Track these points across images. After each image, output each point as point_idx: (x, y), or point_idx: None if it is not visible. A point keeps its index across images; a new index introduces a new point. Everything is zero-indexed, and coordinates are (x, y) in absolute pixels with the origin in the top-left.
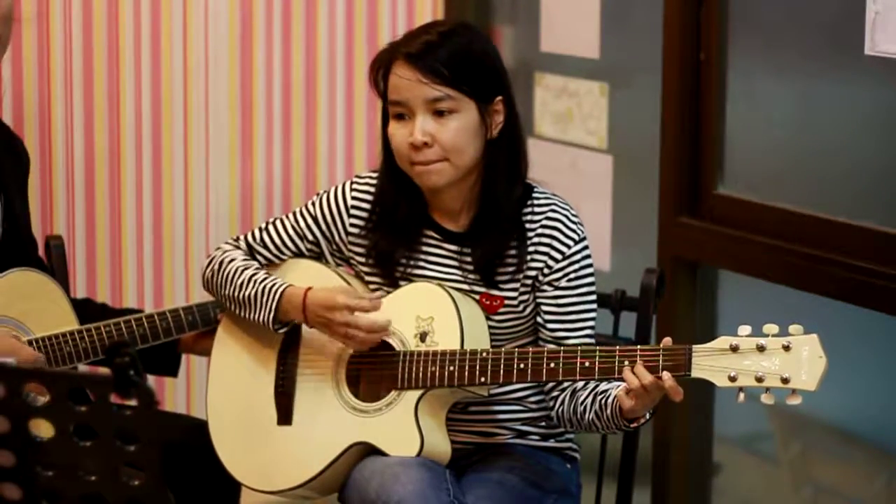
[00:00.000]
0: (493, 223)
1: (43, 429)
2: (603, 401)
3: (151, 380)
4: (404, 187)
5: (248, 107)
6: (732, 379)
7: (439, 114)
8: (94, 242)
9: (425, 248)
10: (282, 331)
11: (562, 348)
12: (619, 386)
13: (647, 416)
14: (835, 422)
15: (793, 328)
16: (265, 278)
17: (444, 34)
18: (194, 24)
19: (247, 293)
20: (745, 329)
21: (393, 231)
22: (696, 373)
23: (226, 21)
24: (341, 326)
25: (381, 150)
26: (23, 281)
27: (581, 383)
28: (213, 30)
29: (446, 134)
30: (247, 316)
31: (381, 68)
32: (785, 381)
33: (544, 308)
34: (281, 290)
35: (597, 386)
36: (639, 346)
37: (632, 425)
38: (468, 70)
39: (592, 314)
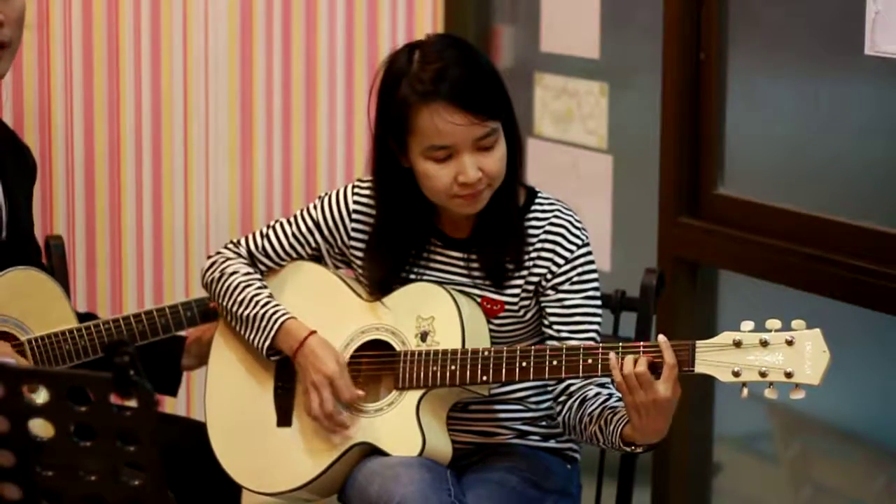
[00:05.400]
0: (495, 229)
1: (43, 429)
2: (610, 416)
3: None
4: (411, 206)
5: (248, 107)
6: (736, 374)
7: (482, 147)
8: (94, 242)
9: (428, 255)
10: (273, 358)
11: (564, 345)
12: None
13: (645, 448)
14: (835, 422)
15: (795, 323)
16: (267, 302)
17: (463, 61)
18: (194, 24)
19: (246, 313)
20: (747, 324)
21: (397, 247)
22: (699, 368)
23: (226, 21)
24: (313, 386)
25: (373, 171)
26: (22, 280)
27: (592, 394)
28: (213, 30)
29: (493, 165)
30: (242, 333)
31: (405, 106)
32: (789, 375)
33: (549, 311)
34: (281, 321)
35: (607, 400)
36: (642, 343)
37: (628, 449)
38: (495, 94)
39: (597, 318)
